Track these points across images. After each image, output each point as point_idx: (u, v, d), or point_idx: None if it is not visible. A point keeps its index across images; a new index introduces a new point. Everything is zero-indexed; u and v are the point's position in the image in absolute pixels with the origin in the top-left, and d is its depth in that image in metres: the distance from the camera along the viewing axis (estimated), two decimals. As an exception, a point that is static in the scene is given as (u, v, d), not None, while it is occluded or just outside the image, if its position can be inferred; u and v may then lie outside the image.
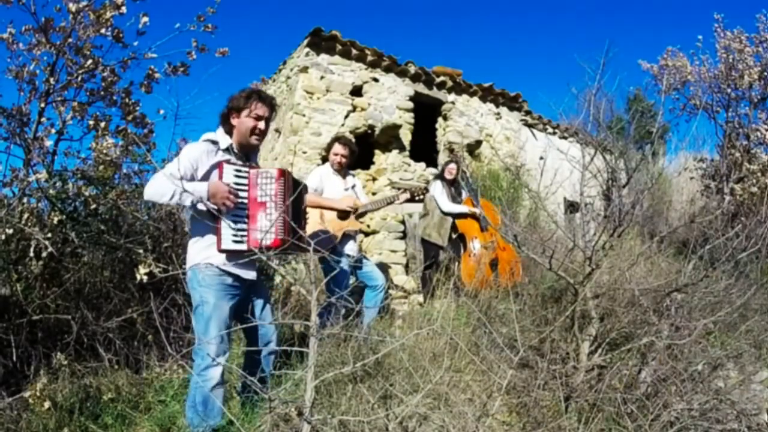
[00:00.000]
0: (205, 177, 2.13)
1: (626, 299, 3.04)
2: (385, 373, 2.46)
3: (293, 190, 2.20)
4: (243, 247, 2.09)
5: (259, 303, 2.32)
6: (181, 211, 3.65)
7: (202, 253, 2.13)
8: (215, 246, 2.10)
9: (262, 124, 2.22)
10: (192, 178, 2.08)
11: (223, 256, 2.12)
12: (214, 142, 2.20)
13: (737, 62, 7.35)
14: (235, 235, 2.08)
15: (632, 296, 2.98)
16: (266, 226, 2.07)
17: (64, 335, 2.85)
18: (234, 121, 2.22)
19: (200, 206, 2.02)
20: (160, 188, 1.97)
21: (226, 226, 2.08)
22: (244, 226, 2.10)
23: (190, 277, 2.15)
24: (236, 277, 2.17)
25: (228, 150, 2.22)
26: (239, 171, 2.13)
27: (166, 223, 3.63)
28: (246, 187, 2.12)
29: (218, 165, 2.11)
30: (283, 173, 2.15)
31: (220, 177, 2.08)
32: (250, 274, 2.21)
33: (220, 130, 2.26)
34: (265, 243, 2.06)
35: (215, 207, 2.03)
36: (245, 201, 2.12)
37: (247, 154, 2.31)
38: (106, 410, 2.45)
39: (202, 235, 2.15)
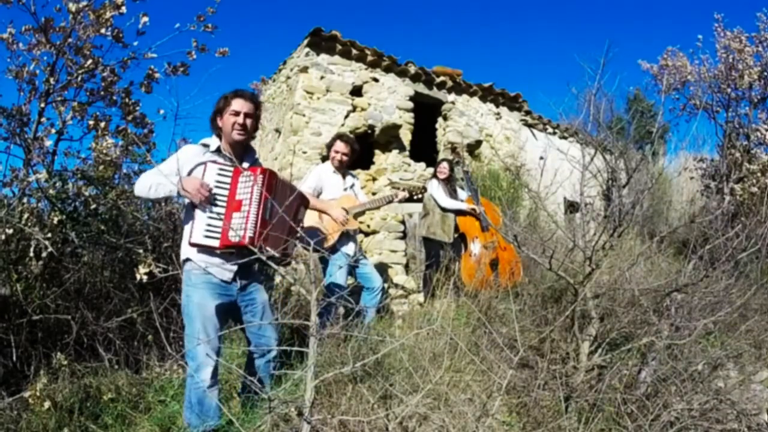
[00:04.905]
0: (189, 174, 2.19)
1: (626, 299, 3.04)
2: (385, 373, 2.46)
3: (281, 192, 2.21)
4: (215, 243, 2.09)
5: (257, 308, 2.28)
6: (182, 210, 3.66)
7: (186, 248, 2.18)
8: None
9: (240, 119, 2.23)
10: (177, 175, 2.13)
11: (202, 253, 2.14)
12: (206, 145, 2.30)
13: (737, 62, 7.33)
14: (207, 230, 2.10)
15: (632, 296, 2.98)
16: (239, 224, 2.08)
17: (64, 335, 2.85)
18: (219, 123, 2.30)
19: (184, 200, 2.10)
20: (144, 182, 2.13)
21: (199, 220, 2.11)
22: (218, 222, 2.11)
23: (183, 276, 2.19)
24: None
25: (216, 151, 2.29)
26: (223, 170, 2.18)
27: (166, 223, 3.63)
28: (228, 186, 2.16)
29: (203, 163, 2.18)
30: (266, 173, 2.15)
31: (204, 174, 2.14)
32: (225, 275, 2.17)
33: (214, 136, 2.36)
34: (233, 240, 2.06)
35: (192, 200, 2.09)
36: (224, 198, 2.15)
37: (242, 156, 2.34)
38: (106, 410, 2.45)
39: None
